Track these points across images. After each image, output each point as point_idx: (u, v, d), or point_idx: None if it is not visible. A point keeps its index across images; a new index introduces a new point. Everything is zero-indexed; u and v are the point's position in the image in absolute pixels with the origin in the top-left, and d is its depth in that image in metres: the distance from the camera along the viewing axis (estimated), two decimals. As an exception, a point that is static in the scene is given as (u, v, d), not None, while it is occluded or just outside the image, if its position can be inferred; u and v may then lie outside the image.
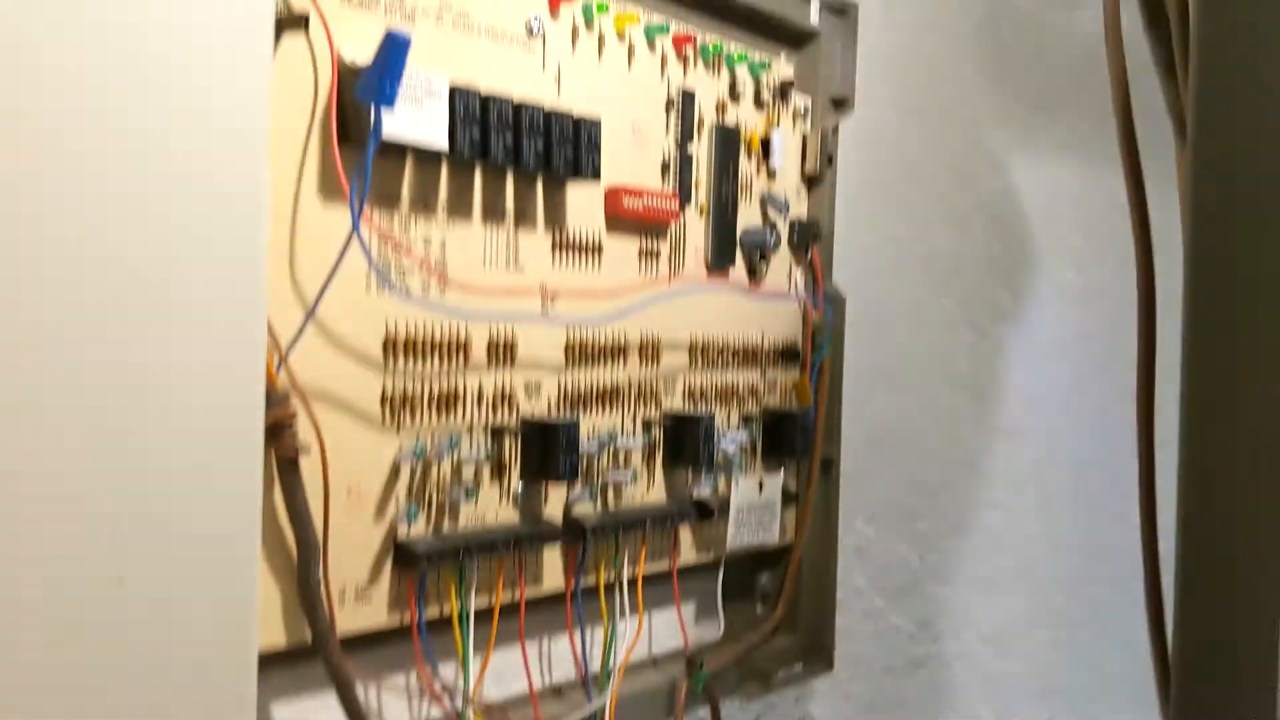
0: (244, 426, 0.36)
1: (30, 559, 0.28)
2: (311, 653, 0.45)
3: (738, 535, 0.66)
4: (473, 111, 0.48)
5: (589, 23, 0.56)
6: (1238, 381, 0.37)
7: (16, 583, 0.28)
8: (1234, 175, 0.36)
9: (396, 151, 0.48)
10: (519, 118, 0.51)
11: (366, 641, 0.49)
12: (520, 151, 0.51)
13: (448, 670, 0.53)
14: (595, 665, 0.59)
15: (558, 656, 0.59)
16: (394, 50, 0.41)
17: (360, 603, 0.48)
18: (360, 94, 0.41)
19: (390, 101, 0.41)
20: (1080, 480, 1.09)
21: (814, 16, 0.71)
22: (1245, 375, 0.37)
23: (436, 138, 0.47)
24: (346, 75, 0.45)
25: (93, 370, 0.32)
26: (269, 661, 0.44)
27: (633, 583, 0.60)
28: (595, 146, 0.54)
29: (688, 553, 0.64)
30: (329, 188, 0.45)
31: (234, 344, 0.36)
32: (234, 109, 0.36)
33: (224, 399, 0.36)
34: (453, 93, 0.48)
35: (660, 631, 0.66)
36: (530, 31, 0.53)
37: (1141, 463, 0.51)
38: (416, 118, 0.46)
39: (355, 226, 0.43)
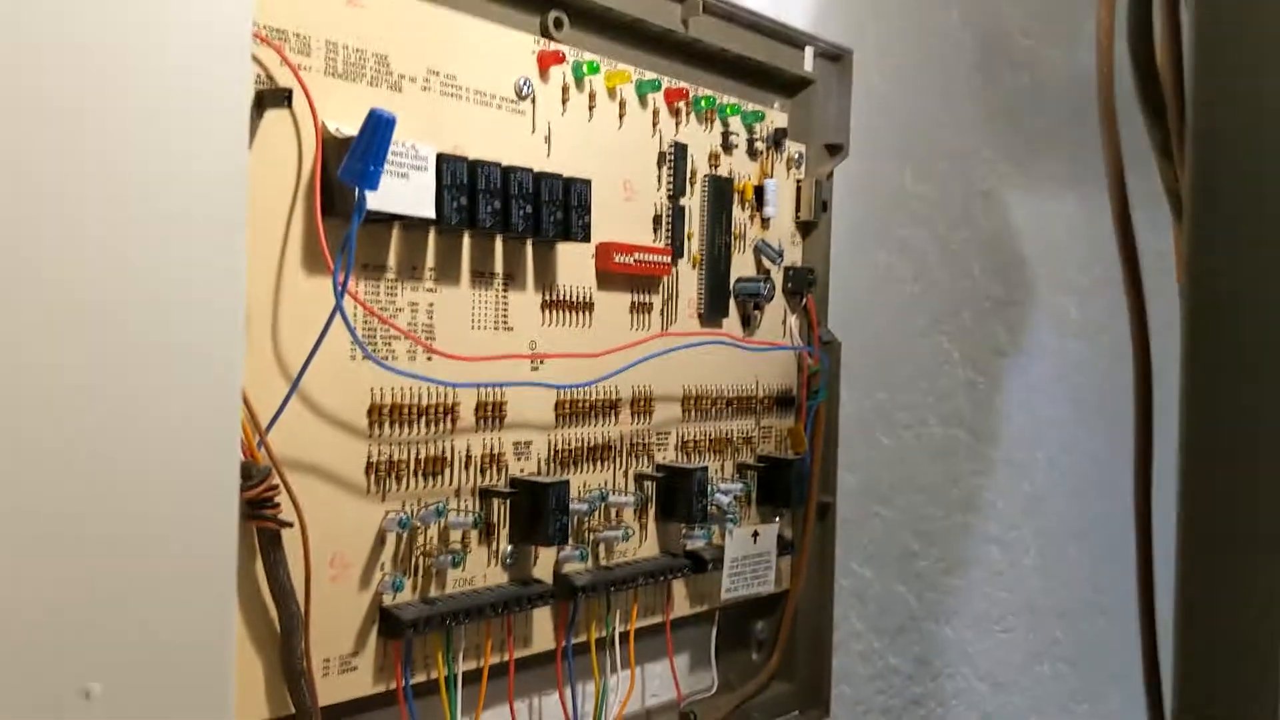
0: (220, 507, 0.36)
1: None
2: (296, 725, 0.45)
3: (733, 587, 0.65)
4: (459, 179, 0.48)
5: (579, 82, 0.56)
6: (1236, 444, 0.37)
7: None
8: (1232, 266, 0.36)
9: (383, 219, 0.48)
10: (507, 182, 0.51)
11: (353, 708, 0.49)
12: (509, 216, 0.51)
13: (436, 733, 0.53)
14: (586, 722, 0.59)
15: (548, 715, 0.59)
16: (378, 130, 0.41)
17: (345, 671, 0.48)
18: (344, 176, 0.41)
19: (374, 184, 0.41)
20: (1078, 512, 1.09)
21: (808, 63, 0.71)
22: (1244, 441, 0.37)
23: (423, 208, 0.47)
24: (331, 146, 0.45)
25: (65, 450, 0.32)
26: (253, 736, 0.44)
27: (625, 638, 0.60)
28: (585, 208, 0.54)
29: (681, 605, 0.64)
30: (313, 259, 0.45)
31: (209, 423, 0.36)
32: (212, 193, 0.35)
33: (199, 480, 0.35)
34: (440, 161, 0.48)
35: (653, 685, 0.65)
36: (520, 94, 0.53)
37: (1138, 496, 0.51)
38: (403, 188, 0.46)
39: (339, 303, 0.43)
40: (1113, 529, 1.15)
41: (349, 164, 0.40)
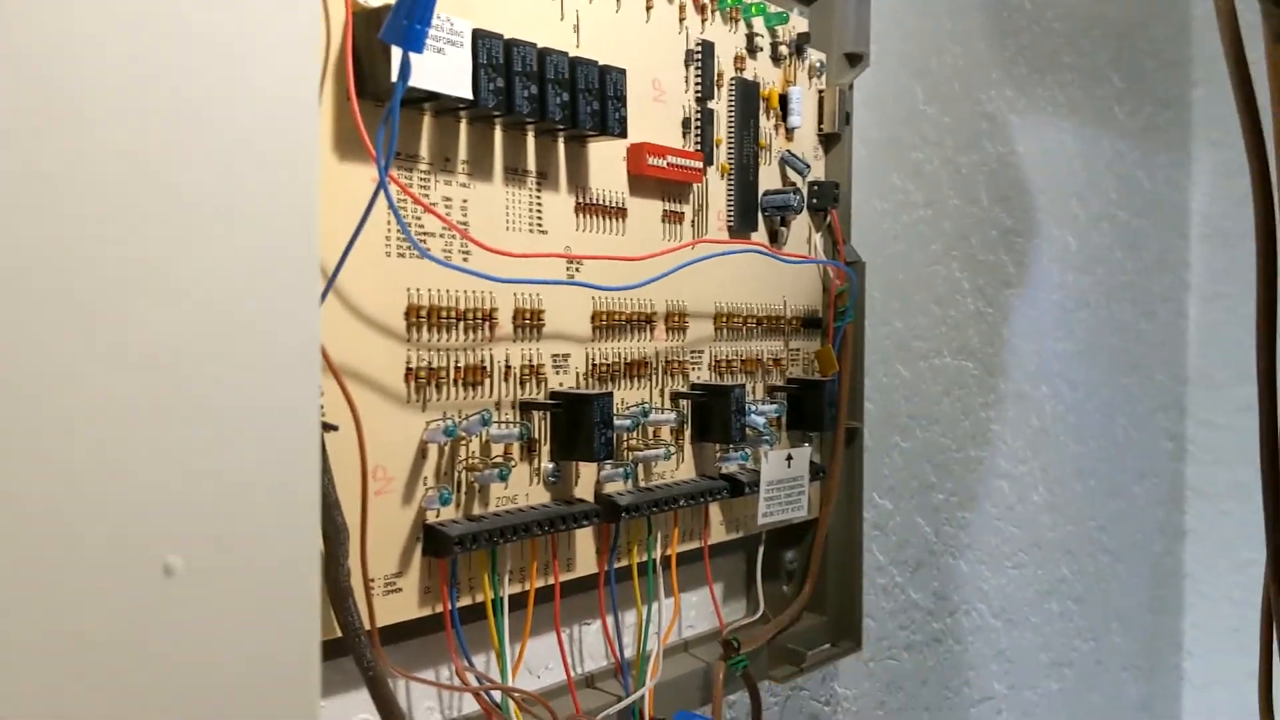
0: (301, 411, 0.32)
1: (70, 550, 0.24)
2: (341, 649, 0.42)
3: (769, 511, 0.63)
4: (496, 59, 0.45)
5: (607, -31, 0.53)
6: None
7: (59, 569, 0.24)
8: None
9: (414, 103, 0.44)
10: (543, 65, 0.47)
11: (398, 633, 0.46)
12: (545, 104, 0.47)
13: (479, 661, 0.50)
14: (629, 651, 0.56)
15: (589, 644, 0.56)
16: (423, -15, 0.37)
17: (390, 593, 0.44)
18: (386, 36, 0.37)
19: (419, 45, 0.37)
20: (1080, 448, 1.08)
21: (827, -32, 0.68)
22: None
23: (460, 87, 0.43)
24: (362, 20, 0.41)
25: (150, 357, 0.28)
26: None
27: (666, 563, 0.57)
28: (621, 99, 0.51)
29: (718, 531, 0.61)
30: (346, 144, 0.42)
31: (288, 326, 0.32)
32: (281, 122, 0.31)
33: (283, 395, 0.31)
34: (475, 37, 0.44)
35: (689, 615, 0.63)
36: (549, -23, 0.50)
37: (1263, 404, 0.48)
38: (440, 65, 0.42)
39: (382, 180, 0.39)
40: (1112, 468, 1.14)
41: (392, 21, 0.37)
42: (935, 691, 0.89)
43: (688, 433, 0.59)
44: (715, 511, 0.61)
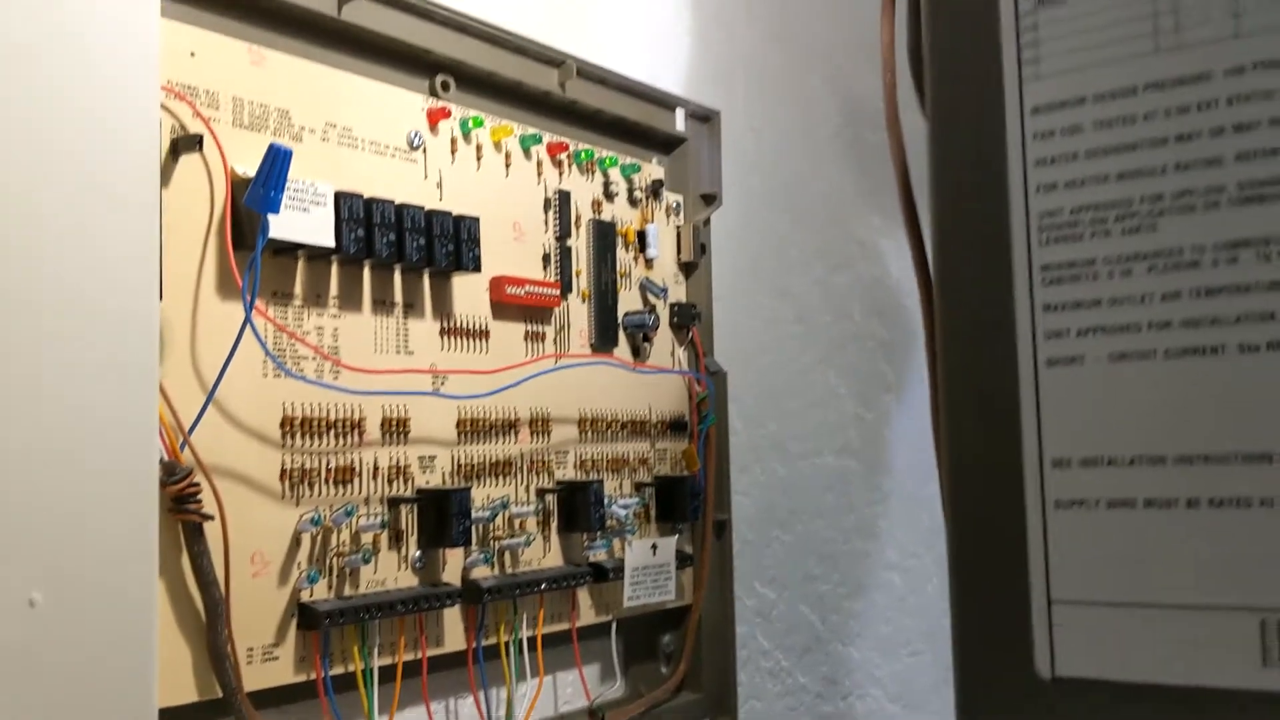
0: (141, 497, 0.41)
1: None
2: (223, 707, 0.49)
3: (635, 595, 0.71)
4: (356, 213, 0.55)
5: (466, 135, 0.63)
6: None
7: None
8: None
9: (289, 251, 0.54)
10: (401, 218, 0.57)
11: (277, 697, 0.53)
12: (404, 248, 0.57)
13: (356, 728, 0.57)
14: (500, 722, 0.63)
15: (464, 715, 0.63)
16: (276, 161, 0.47)
17: (268, 660, 0.52)
18: (248, 202, 0.47)
19: (275, 208, 0.47)
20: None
21: (680, 123, 0.79)
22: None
23: (323, 237, 0.53)
24: (239, 187, 0.51)
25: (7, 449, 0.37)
26: (181, 716, 0.48)
27: (532, 642, 0.65)
28: (475, 241, 0.61)
29: (587, 614, 0.69)
30: (225, 285, 0.51)
31: (129, 422, 0.41)
32: (128, 225, 0.41)
33: (122, 474, 0.40)
34: (337, 198, 0.54)
35: (565, 693, 0.70)
36: (411, 145, 0.60)
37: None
38: (305, 220, 0.52)
39: (248, 316, 0.49)
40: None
41: (252, 191, 0.47)
42: (831, 772, 0.95)
43: (554, 525, 0.67)
44: (585, 596, 0.69)
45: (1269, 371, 0.33)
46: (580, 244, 0.71)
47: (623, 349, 0.73)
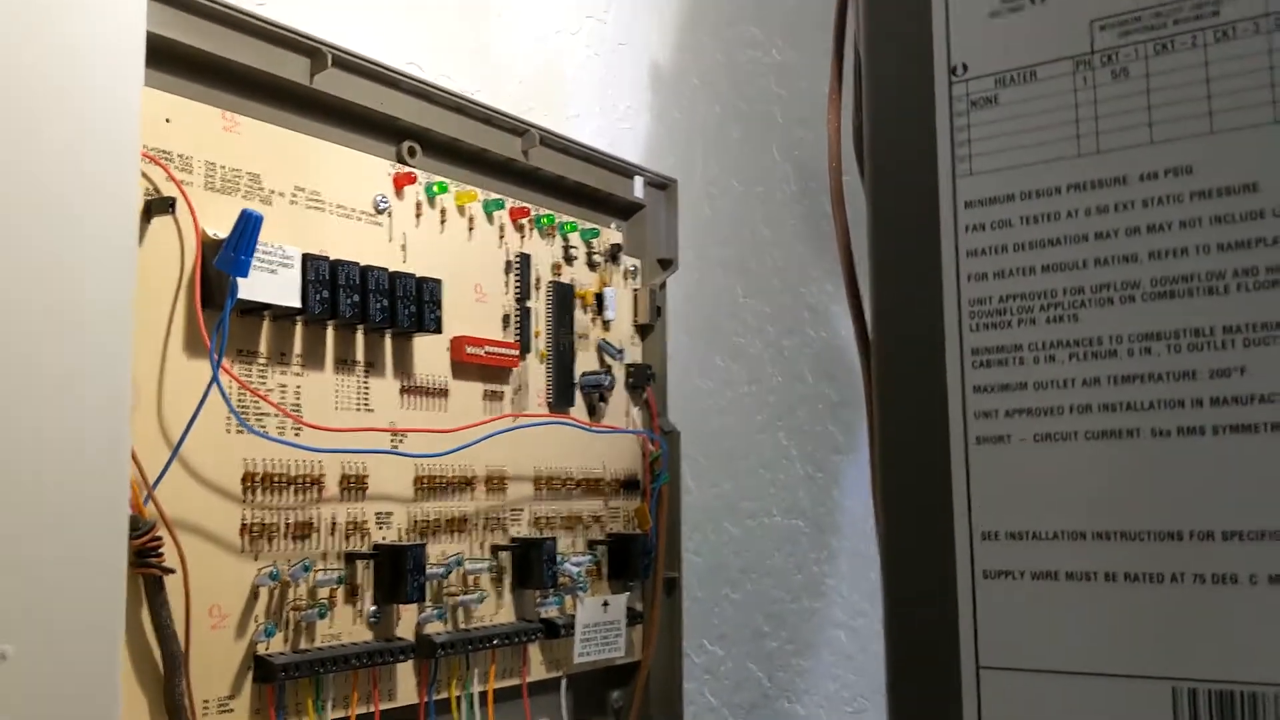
0: (109, 550, 0.42)
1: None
2: (174, 761, 0.50)
3: (585, 651, 0.72)
4: (322, 275, 0.57)
5: (431, 200, 0.65)
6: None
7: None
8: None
9: (256, 311, 0.55)
10: (365, 279, 0.59)
11: (227, 753, 0.54)
12: (367, 309, 0.59)
13: (306, 781, 0.58)
14: (449, 776, 0.64)
15: (413, 769, 0.64)
16: (247, 226, 0.49)
17: (223, 712, 0.53)
18: (218, 264, 0.49)
19: (244, 271, 0.49)
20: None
21: (638, 190, 0.81)
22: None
23: (289, 298, 0.55)
24: (210, 248, 0.53)
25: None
26: (133, 768, 0.48)
27: (484, 697, 0.66)
28: (436, 303, 0.63)
29: (538, 670, 0.70)
30: (193, 343, 0.52)
31: (101, 477, 0.42)
32: (103, 281, 0.43)
33: (92, 530, 0.41)
34: (304, 260, 0.56)
35: (514, 746, 0.71)
36: (377, 209, 0.62)
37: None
38: (272, 282, 0.54)
39: (214, 374, 0.50)
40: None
41: (223, 254, 0.48)
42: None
43: (508, 581, 0.68)
44: (536, 652, 0.70)
45: (1179, 455, 0.36)
46: (540, 305, 0.73)
47: (579, 409, 0.75)
